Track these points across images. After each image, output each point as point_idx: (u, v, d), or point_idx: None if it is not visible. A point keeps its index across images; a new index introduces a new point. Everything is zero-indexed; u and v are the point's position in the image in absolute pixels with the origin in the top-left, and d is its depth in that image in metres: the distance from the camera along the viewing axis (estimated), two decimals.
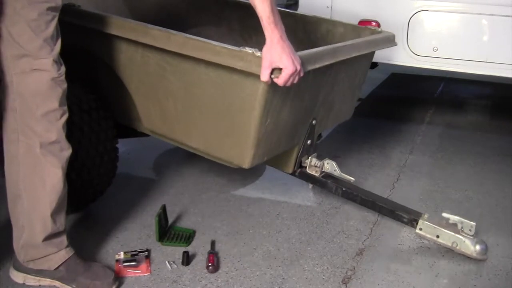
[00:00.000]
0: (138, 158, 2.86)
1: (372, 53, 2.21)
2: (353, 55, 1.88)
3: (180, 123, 1.82)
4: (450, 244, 1.83)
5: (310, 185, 2.18)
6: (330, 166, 2.03)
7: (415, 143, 3.14)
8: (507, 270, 1.80)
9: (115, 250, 1.84)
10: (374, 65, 4.18)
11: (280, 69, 1.46)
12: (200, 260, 1.79)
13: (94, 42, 1.91)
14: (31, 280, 1.64)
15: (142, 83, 1.87)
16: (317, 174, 2.03)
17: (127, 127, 2.13)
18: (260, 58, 1.46)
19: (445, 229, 1.83)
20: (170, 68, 1.74)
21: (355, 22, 3.05)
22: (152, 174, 2.59)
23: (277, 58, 1.44)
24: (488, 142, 3.25)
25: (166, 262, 1.78)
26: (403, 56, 3.02)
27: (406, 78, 5.03)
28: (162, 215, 1.95)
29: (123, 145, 3.01)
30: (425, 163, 2.82)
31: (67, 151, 1.56)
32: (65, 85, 1.51)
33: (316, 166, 2.03)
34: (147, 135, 2.26)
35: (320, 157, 2.06)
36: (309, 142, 2.00)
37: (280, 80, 1.48)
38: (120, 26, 1.77)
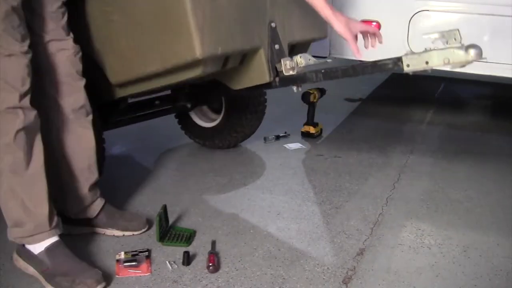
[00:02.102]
0: (138, 158, 2.86)
1: None
2: None
3: (136, 55, 1.88)
4: (442, 63, 1.71)
5: (294, 88, 2.08)
6: (304, 59, 1.96)
7: (416, 143, 3.15)
8: (507, 270, 1.80)
9: (115, 250, 1.84)
10: None
11: None
12: (201, 260, 1.79)
13: None
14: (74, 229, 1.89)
15: (99, 43, 1.95)
16: (294, 73, 1.98)
17: (109, 119, 2.19)
18: None
19: (430, 51, 1.72)
20: (110, 8, 1.85)
21: None
22: (153, 174, 2.59)
23: None
24: (488, 142, 3.25)
25: (167, 262, 1.78)
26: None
27: (406, 78, 5.03)
28: (163, 215, 1.95)
29: (123, 145, 3.02)
30: (426, 163, 2.82)
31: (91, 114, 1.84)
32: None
33: (291, 67, 1.97)
34: (131, 123, 2.24)
35: (291, 55, 2.01)
36: (277, 47, 1.98)
37: None
38: None
